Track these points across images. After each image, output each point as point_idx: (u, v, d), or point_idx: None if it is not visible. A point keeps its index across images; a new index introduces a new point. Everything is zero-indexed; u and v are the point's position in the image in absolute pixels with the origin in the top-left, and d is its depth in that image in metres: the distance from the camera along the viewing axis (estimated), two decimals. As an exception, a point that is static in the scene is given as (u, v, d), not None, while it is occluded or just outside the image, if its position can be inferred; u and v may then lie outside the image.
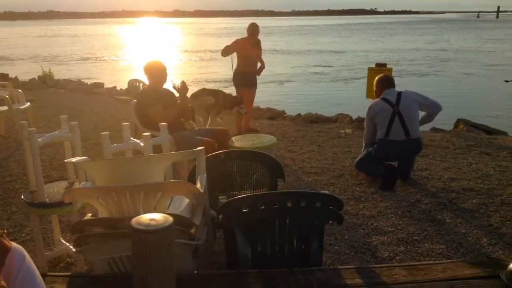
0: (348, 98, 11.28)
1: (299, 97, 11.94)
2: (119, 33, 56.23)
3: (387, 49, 26.85)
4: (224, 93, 5.90)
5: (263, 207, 2.10)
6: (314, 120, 7.21)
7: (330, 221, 2.31)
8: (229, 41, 6.36)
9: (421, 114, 4.42)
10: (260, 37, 6.31)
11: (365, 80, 6.40)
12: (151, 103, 4.00)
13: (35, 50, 28.29)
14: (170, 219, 1.23)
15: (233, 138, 4.51)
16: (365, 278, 1.95)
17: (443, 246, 3.10)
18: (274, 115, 7.70)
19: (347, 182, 4.33)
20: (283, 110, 8.37)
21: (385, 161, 4.27)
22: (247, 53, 6.05)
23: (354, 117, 7.21)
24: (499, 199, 3.85)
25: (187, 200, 2.39)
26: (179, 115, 4.22)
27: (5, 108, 5.79)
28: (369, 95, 6.02)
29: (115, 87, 11.34)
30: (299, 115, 7.66)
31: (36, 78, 12.13)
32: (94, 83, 11.95)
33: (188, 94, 5.20)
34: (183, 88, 4.19)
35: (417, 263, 2.58)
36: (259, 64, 6.16)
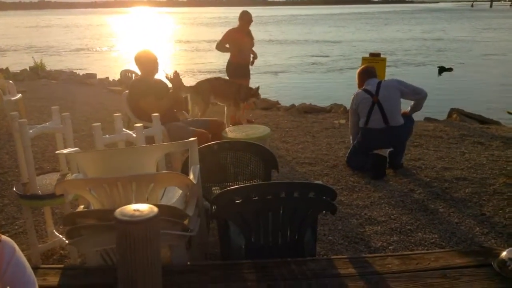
0: (342, 88, 11.26)
1: (293, 88, 11.90)
2: (111, 23, 55.66)
3: (383, 38, 26.79)
4: (240, 84, 5.64)
5: (256, 198, 2.10)
6: (308, 110, 7.19)
7: (324, 211, 2.32)
8: (223, 30, 6.25)
9: (411, 103, 4.45)
10: (254, 27, 6.24)
11: (359, 70, 6.37)
12: (143, 94, 3.96)
13: (27, 41, 27.96)
14: (155, 209, 1.19)
15: (227, 129, 4.49)
16: (358, 267, 1.96)
17: (436, 236, 3.12)
18: (268, 106, 7.67)
19: (341, 173, 4.33)
20: (277, 101, 8.35)
21: (369, 150, 4.29)
22: (241, 43, 5.95)
23: (348, 108, 7.20)
24: (492, 188, 3.87)
25: (180, 191, 2.38)
26: (172, 106, 4.19)
27: (-4, 99, 5.73)
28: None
29: (107, 77, 11.25)
30: (293, 105, 7.65)
31: (28, 69, 12.00)
32: (87, 73, 11.85)
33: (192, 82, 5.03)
34: (175, 78, 4.15)
35: (410, 252, 2.59)
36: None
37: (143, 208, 1.20)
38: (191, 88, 5.37)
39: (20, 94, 6.06)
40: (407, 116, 4.39)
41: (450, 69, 14.40)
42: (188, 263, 2.07)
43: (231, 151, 2.99)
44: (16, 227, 3.29)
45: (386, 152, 4.30)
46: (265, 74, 14.11)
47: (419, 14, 61.33)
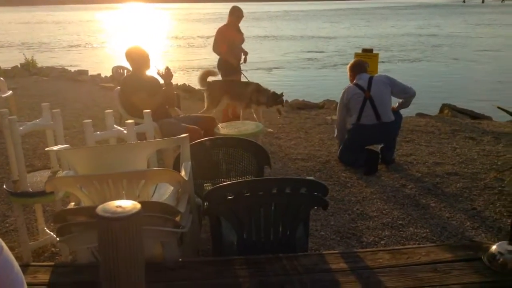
0: (335, 84, 11.26)
1: (286, 84, 11.87)
2: (103, 19, 55.21)
3: (378, 34, 26.81)
4: (259, 86, 5.41)
5: (248, 194, 2.10)
6: (301, 106, 7.20)
7: (316, 207, 2.32)
8: (217, 26, 6.15)
9: (399, 100, 4.49)
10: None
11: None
12: (135, 90, 3.94)
13: (18, 37, 27.67)
14: (138, 206, 1.18)
15: (219, 125, 4.48)
16: (350, 262, 1.97)
17: (427, 230, 3.14)
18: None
19: (333, 168, 4.35)
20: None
21: (361, 146, 4.30)
22: (233, 40, 5.86)
23: (340, 104, 7.21)
24: (483, 183, 3.91)
25: (172, 188, 2.38)
26: (164, 102, 4.18)
27: (-14, 96, 5.67)
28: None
29: (99, 74, 11.15)
30: (286, 101, 7.63)
31: (19, 65, 11.89)
32: (78, 70, 11.74)
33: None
34: (167, 74, 4.13)
35: (400, 247, 2.61)
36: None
37: (126, 204, 1.17)
38: (208, 87, 5.39)
39: (11, 91, 6.00)
40: (395, 112, 4.41)
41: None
42: (180, 259, 2.07)
43: (223, 148, 2.99)
44: (7, 224, 3.27)
45: (378, 148, 4.32)
46: (259, 70, 14.08)
47: (412, 10, 61.36)
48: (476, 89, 11.27)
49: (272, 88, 5.59)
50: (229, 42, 5.82)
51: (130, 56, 4.04)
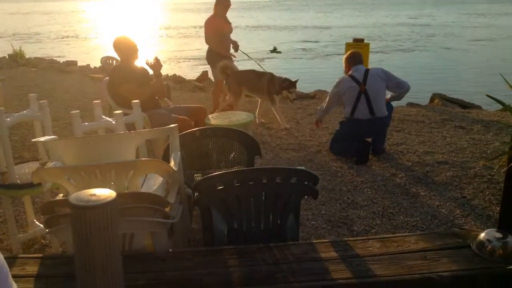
0: (327, 74, 11.25)
1: (278, 74, 11.84)
2: (93, 9, 54.47)
3: (371, 24, 26.79)
4: (272, 75, 5.46)
5: (238, 184, 2.08)
6: (293, 96, 7.17)
7: (306, 196, 2.32)
8: (208, 16, 6.05)
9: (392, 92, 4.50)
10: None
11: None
12: (124, 80, 3.89)
13: (6, 28, 27.22)
14: (114, 194, 1.14)
15: (209, 115, 4.46)
16: (340, 251, 1.98)
17: (417, 219, 3.16)
18: (253, 92, 7.61)
19: (324, 158, 4.35)
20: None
21: (353, 139, 4.31)
22: (223, 31, 5.72)
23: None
24: (472, 171, 3.94)
25: (161, 179, 2.36)
26: (153, 93, 4.14)
27: (-28, 87, 5.57)
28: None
29: (88, 65, 11.06)
30: (277, 91, 7.60)
31: (7, 56, 11.74)
32: (67, 61, 11.63)
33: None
34: (156, 64, 4.09)
35: (390, 235, 2.62)
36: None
37: (100, 192, 1.12)
38: (226, 81, 5.46)
39: (-2, 82, 5.92)
40: (387, 103, 4.41)
41: (279, 52, 15.98)
42: (171, 250, 2.06)
43: (213, 138, 2.96)
44: (-4, 217, 3.23)
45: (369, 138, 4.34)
46: (251, 60, 13.99)
47: (405, -1, 61.32)
48: (467, 78, 11.32)
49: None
50: (218, 33, 5.70)
51: (117, 46, 3.99)
